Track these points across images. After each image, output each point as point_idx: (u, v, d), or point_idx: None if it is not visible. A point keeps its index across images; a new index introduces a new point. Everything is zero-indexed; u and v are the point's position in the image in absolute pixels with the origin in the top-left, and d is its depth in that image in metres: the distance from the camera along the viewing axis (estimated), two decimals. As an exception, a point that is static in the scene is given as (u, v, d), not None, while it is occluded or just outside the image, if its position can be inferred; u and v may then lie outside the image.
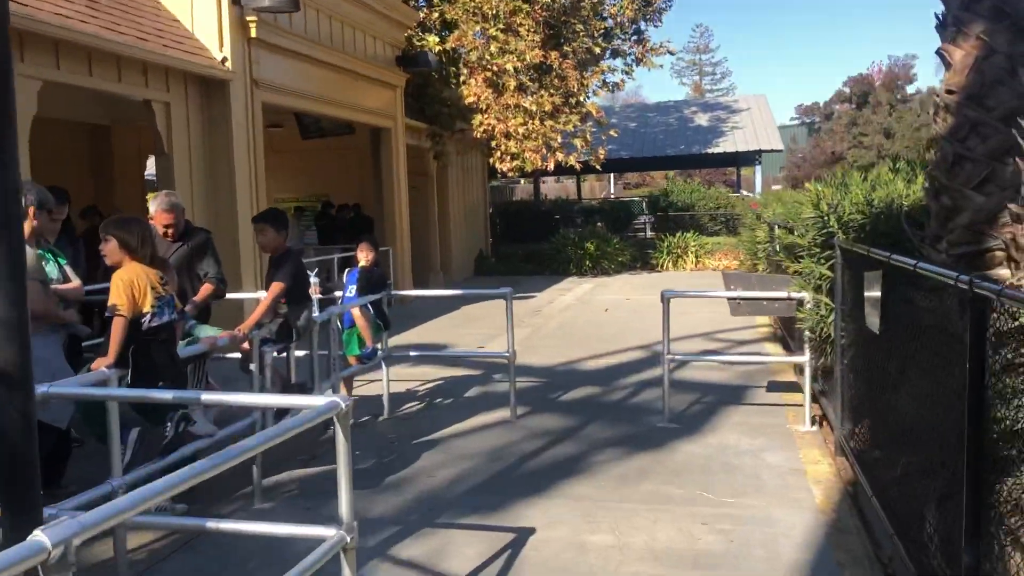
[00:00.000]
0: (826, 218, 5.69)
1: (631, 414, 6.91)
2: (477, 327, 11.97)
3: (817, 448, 5.79)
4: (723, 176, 50.67)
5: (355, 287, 6.86)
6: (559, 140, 16.56)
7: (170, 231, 5.47)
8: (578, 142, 16.79)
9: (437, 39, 16.50)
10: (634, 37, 20.81)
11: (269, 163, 20.11)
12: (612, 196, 43.40)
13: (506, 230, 24.49)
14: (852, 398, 5.46)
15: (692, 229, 22.33)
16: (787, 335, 10.08)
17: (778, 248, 10.91)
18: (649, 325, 11.79)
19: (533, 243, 22.23)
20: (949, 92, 5.01)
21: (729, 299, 6.50)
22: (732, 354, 9.42)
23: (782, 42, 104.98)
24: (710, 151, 26.02)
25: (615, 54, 20.40)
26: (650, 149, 27.06)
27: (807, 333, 6.15)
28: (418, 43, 16.30)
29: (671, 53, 20.97)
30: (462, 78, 16.44)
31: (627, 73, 20.46)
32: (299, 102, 12.42)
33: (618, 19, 19.88)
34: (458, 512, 4.82)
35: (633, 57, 20.64)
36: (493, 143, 16.27)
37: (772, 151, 26.54)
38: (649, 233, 26.95)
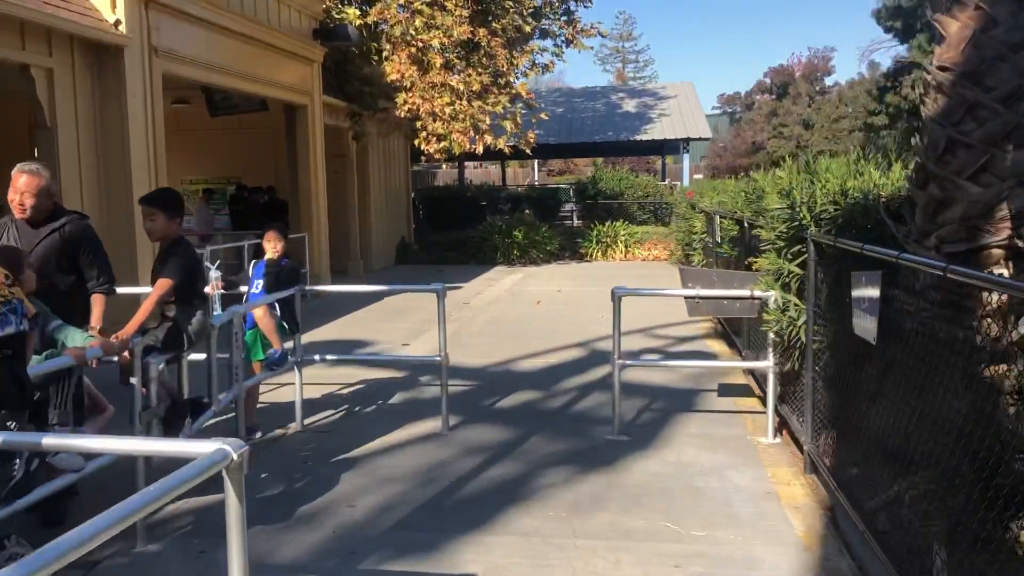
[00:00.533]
0: (797, 210, 5.10)
1: (577, 424, 6.24)
2: (402, 321, 11.16)
3: (786, 465, 5.22)
4: (646, 164, 50.68)
5: (261, 282, 6.00)
6: (488, 122, 15.79)
7: (27, 208, 4.52)
8: (507, 124, 16.05)
9: (358, 11, 15.50)
10: (564, 17, 20.16)
11: (176, 142, 18.77)
12: (536, 183, 42.90)
13: (430, 217, 23.61)
14: (828, 409, 4.90)
15: (621, 218, 21.88)
16: (729, 331, 9.59)
17: (720, 239, 10.42)
18: (585, 319, 11.18)
19: (458, 230, 21.44)
20: (942, 69, 4.45)
21: (687, 298, 5.87)
22: (682, 355, 8.82)
23: (705, 31, 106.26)
24: (638, 138, 25.63)
25: (544, 34, 19.71)
26: (577, 135, 26.52)
27: (771, 336, 5.57)
28: (337, 16, 15.28)
29: (602, 35, 20.36)
30: (385, 54, 15.49)
31: (557, 55, 19.80)
32: (206, 74, 11.33)
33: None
34: (385, 555, 4.05)
35: (563, 38, 19.99)
36: (418, 124, 15.40)
37: (700, 139, 26.33)
38: (576, 221, 26.47)
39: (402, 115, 15.45)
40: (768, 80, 62.60)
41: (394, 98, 15.49)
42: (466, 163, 37.34)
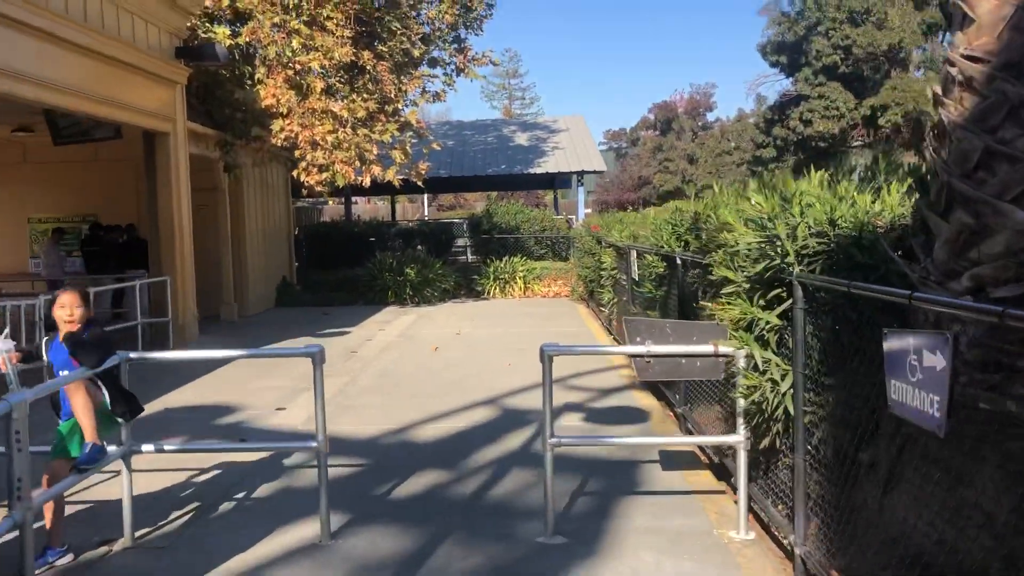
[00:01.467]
0: (780, 246, 4.00)
1: (498, 520, 4.93)
2: (278, 377, 9.59)
3: (772, 573, 4.06)
4: (536, 199, 50.18)
5: (64, 365, 4.44)
6: (375, 152, 14.44)
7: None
8: (396, 154, 14.72)
9: (228, 31, 13.93)
10: (454, 45, 19.11)
11: (22, 175, 16.62)
12: (427, 218, 41.63)
13: (314, 255, 21.94)
14: (831, 501, 3.78)
15: (518, 253, 20.82)
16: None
17: (638, 277, 9.39)
18: (491, 367, 9.91)
19: (346, 268, 19.89)
20: (972, 59, 3.45)
21: (633, 356, 4.67)
22: (610, 414, 7.57)
23: (589, 68, 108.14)
24: (532, 171, 24.77)
25: (433, 63, 18.58)
26: (469, 168, 25.44)
27: (741, 403, 4.44)
28: (205, 35, 13.68)
29: (494, 63, 19.45)
30: (258, 76, 13.96)
31: (448, 84, 18.69)
32: (45, 94, 9.57)
33: (436, 24, 18.07)
34: None
35: (454, 67, 18.91)
36: (297, 153, 13.90)
37: (595, 172, 25.70)
38: (471, 257, 25.29)
39: (279, 143, 13.92)
40: (652, 116, 63.64)
41: (269, 125, 13.96)
42: (353, 198, 35.75)
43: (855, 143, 31.18)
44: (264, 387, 9.13)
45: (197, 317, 12.99)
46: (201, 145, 14.16)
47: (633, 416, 7.32)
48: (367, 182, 14.56)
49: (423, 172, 15.43)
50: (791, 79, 31.04)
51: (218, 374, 10.02)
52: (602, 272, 12.63)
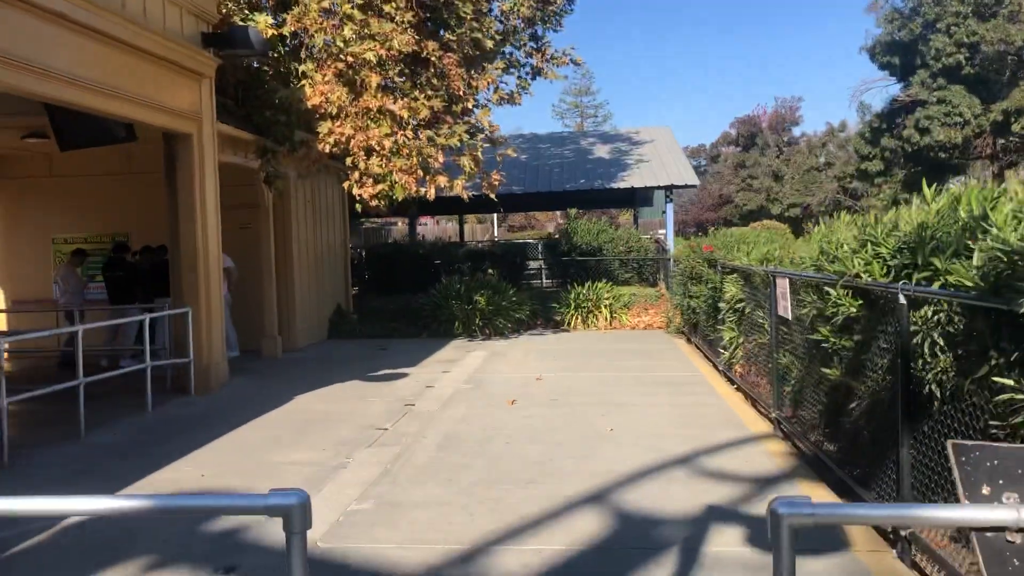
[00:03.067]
0: None
1: None
2: (311, 443, 7.28)
3: None
4: (609, 219, 47.54)
5: None
6: (440, 160, 12.18)
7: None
8: (466, 162, 12.42)
9: (271, 19, 11.91)
10: (531, 44, 16.85)
11: (43, 190, 14.86)
12: (497, 239, 39.41)
13: (374, 279, 19.85)
14: None
15: (601, 277, 18.33)
16: (822, 455, 5.95)
17: (790, 315, 6.81)
18: (587, 434, 7.42)
19: (408, 294, 17.70)
20: None
21: (981, 533, 2.12)
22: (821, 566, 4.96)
23: (665, 82, 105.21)
24: (615, 186, 22.29)
25: (508, 63, 16.34)
26: (544, 184, 23.11)
27: None
28: (243, 23, 11.67)
29: (576, 63, 17.08)
30: (303, 70, 11.86)
31: (523, 88, 16.40)
32: (44, 84, 7.60)
33: (511, 20, 15.83)
34: None
35: (530, 67, 16.65)
36: (348, 161, 11.73)
37: (686, 187, 23.10)
38: (546, 281, 22.87)
39: (327, 149, 11.76)
40: (734, 131, 60.48)
41: (317, 129, 11.83)
42: (420, 219, 33.74)
43: (981, 154, 27.74)
44: (290, 461, 6.82)
45: (225, 356, 10.84)
46: (239, 153, 12.12)
47: (820, 541, 4.73)
48: (431, 195, 12.30)
49: (496, 183, 13.08)
50: (903, 84, 27.89)
51: (238, 435, 7.78)
52: (720, 304, 10.06)
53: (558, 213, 56.99)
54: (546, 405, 8.89)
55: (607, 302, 16.69)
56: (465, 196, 12.86)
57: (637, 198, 27.76)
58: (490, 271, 17.82)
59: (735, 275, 9.56)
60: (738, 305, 9.33)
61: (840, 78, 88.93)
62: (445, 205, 26.14)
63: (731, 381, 9.80)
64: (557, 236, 21.10)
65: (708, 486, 5.84)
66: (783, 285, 7.19)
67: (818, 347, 6.08)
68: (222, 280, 13.27)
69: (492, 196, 13.07)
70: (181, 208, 10.23)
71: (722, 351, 10.03)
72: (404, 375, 11.14)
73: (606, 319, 16.52)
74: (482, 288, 16.23)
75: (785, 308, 7.13)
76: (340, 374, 11.28)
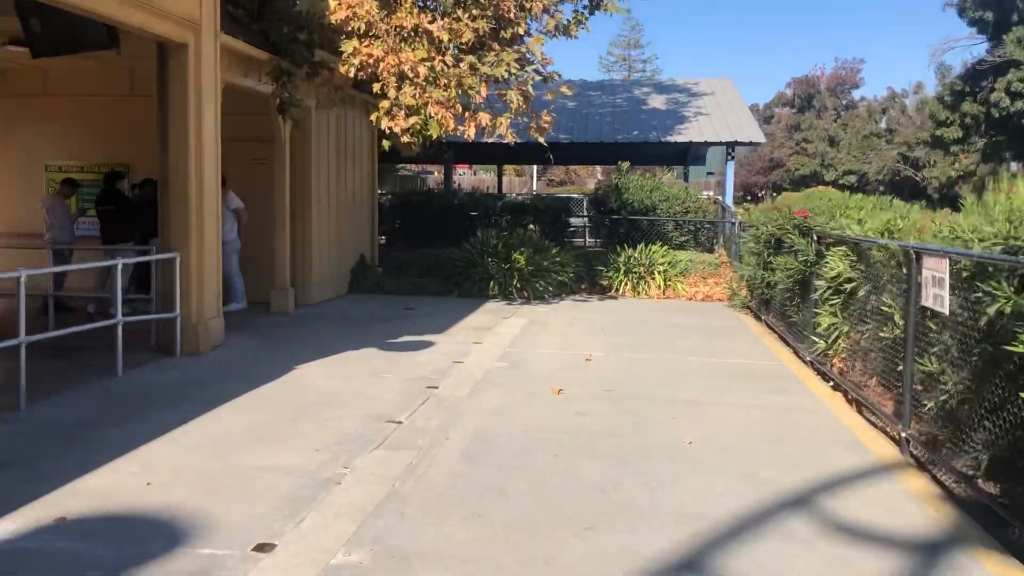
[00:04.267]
0: None
1: None
2: (301, 435, 5.62)
3: None
4: (651, 177, 45.10)
5: None
6: (483, 93, 10.34)
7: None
8: (513, 97, 10.54)
9: (292, -84, 10.07)
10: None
11: (36, 111, 13.14)
12: (532, 193, 37.43)
13: (404, 229, 18.15)
14: None
15: (653, 239, 16.49)
16: (996, 508, 4.21)
17: (947, 310, 4.99)
18: (660, 446, 5.66)
19: (441, 247, 16.02)
20: None
21: None
22: None
23: (716, 40, 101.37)
24: (671, 139, 20.26)
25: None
26: (593, 134, 21.13)
27: None
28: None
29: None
30: (327, -22, 10.02)
31: (580, 21, 14.38)
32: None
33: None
34: None
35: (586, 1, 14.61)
36: (376, 87, 9.94)
37: (751, 144, 21.02)
38: (589, 241, 21.05)
39: (350, 73, 9.97)
40: (790, 92, 57.52)
41: (340, 49, 10.04)
42: (456, 167, 31.91)
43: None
44: (270, 466, 5.18)
45: (220, 311, 9.22)
46: (251, 75, 10.38)
47: None
48: (471, 134, 10.48)
49: (546, 126, 11.20)
50: (992, 43, 25.27)
51: (215, 419, 6.16)
52: (816, 282, 8.20)
53: (598, 169, 54.70)
54: (601, 398, 7.16)
55: (661, 268, 14.85)
56: (510, 138, 11.00)
57: (690, 155, 25.70)
58: (531, 226, 16.02)
59: (841, 248, 7.69)
60: (845, 286, 7.48)
61: (907, 39, 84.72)
62: (483, 152, 24.28)
63: (825, 377, 8.00)
64: (603, 191, 19.19)
65: (845, 553, 4.09)
66: (937, 267, 5.34)
67: (1009, 359, 4.27)
68: (230, 222, 11.67)
69: (541, 140, 11.19)
70: (172, 132, 8.54)
71: (815, 339, 8.20)
72: (429, 344, 9.47)
73: (659, 287, 14.69)
74: (522, 245, 14.48)
75: (938, 298, 5.29)
76: (355, 338, 9.65)
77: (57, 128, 12.72)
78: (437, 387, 7.36)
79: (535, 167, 46.59)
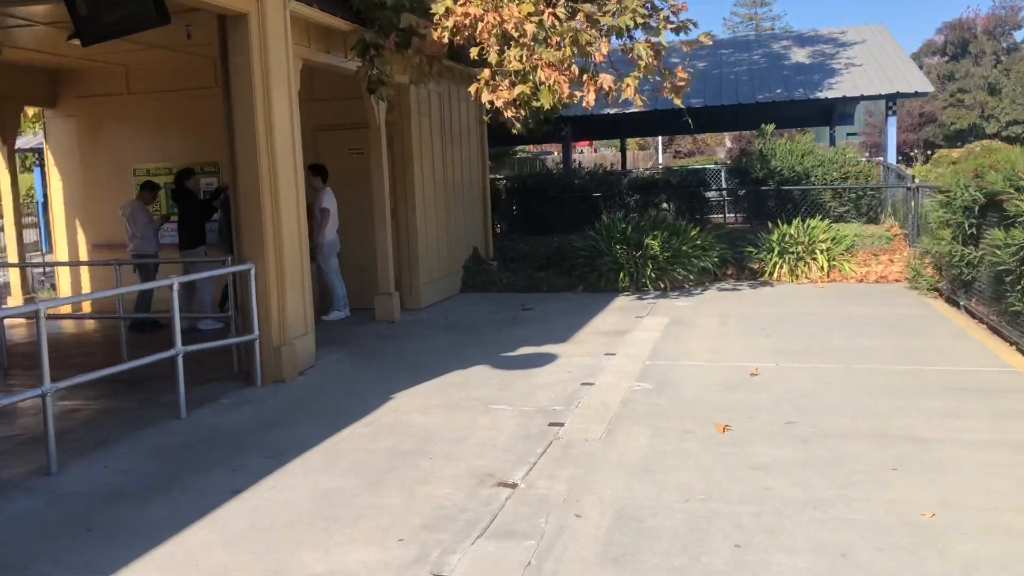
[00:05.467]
0: None
1: None
2: (387, 512, 4.10)
3: None
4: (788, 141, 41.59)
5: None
6: (604, 52, 8.58)
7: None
8: (641, 51, 8.70)
9: None
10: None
11: (120, 111, 11.96)
12: (662, 167, 35.05)
13: (521, 217, 16.59)
14: None
15: (806, 211, 14.29)
16: None
17: None
18: (896, 529, 3.65)
19: (562, 234, 14.42)
20: None
21: None
22: None
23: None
24: (822, 95, 17.80)
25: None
26: (729, 95, 18.89)
27: None
28: None
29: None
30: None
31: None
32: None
33: None
34: None
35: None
36: (474, 53, 8.36)
37: (916, 95, 18.27)
38: (728, 216, 18.89)
39: (444, 38, 8.43)
40: (940, 39, 52.32)
41: (431, 10, 8.50)
42: (574, 145, 30.10)
43: None
44: (328, 572, 3.69)
45: (311, 328, 7.88)
46: (333, 50, 9.02)
47: None
48: (590, 100, 8.72)
49: (683, 84, 9.29)
50: None
51: (275, 487, 4.75)
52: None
53: (727, 138, 51.44)
54: (783, 437, 5.33)
55: (824, 245, 12.66)
56: (638, 102, 9.16)
57: (835, 114, 22.92)
58: (664, 205, 14.13)
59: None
60: None
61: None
62: (604, 127, 22.39)
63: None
64: (745, 160, 16.99)
65: None
66: None
67: None
68: (331, 222, 10.43)
69: (676, 101, 9.29)
70: (236, 122, 7.24)
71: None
72: (551, 358, 7.84)
73: (821, 268, 12.52)
74: (654, 228, 12.62)
75: None
76: (464, 353, 8.16)
77: (142, 128, 11.82)
78: (562, 424, 5.73)
79: (660, 139, 44.04)
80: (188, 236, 10.01)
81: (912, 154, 45.15)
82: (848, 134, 48.52)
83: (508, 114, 8.42)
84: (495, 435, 5.50)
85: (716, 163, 26.33)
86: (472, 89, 8.56)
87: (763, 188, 15.19)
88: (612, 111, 18.51)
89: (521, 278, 12.87)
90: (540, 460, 5.02)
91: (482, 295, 12.34)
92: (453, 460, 5.05)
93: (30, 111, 13.36)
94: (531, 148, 40.49)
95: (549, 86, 8.16)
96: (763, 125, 16.74)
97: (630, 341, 8.52)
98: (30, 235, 14.56)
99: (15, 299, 11.67)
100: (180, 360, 6.22)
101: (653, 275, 12.03)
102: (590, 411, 6.01)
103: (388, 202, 10.42)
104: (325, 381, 7.29)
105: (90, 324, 10.94)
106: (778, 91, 18.30)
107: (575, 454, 5.10)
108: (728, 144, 49.75)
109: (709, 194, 18.51)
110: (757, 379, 6.81)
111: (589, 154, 46.11)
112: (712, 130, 32.12)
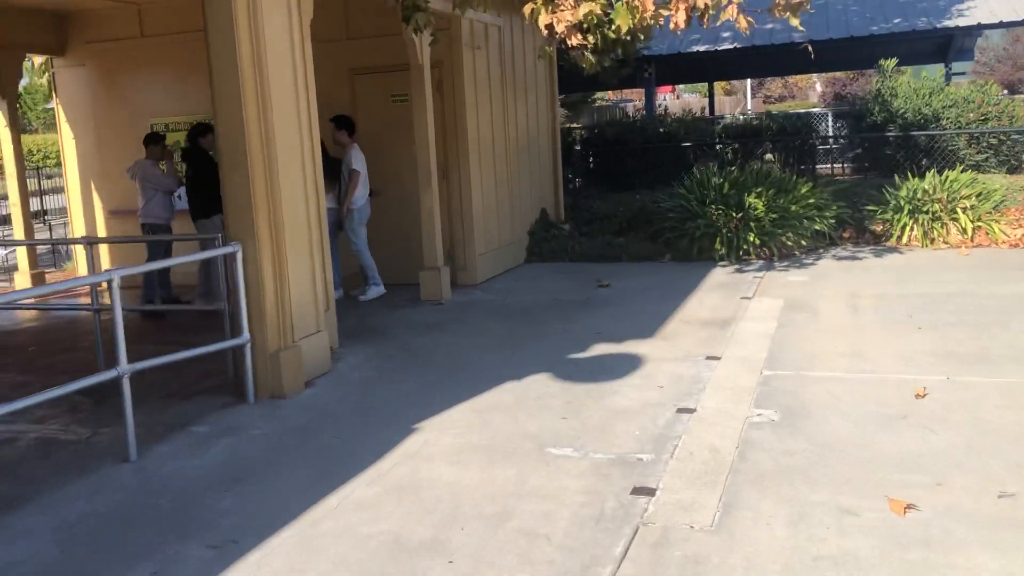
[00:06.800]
0: None
1: None
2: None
3: None
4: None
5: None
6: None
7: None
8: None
9: None
10: None
11: (134, 57, 9.41)
12: (750, 113, 32.15)
13: (599, 171, 14.60)
14: None
15: (934, 161, 11.93)
16: None
17: None
18: None
19: (645, 191, 12.45)
20: None
21: None
22: None
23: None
24: (951, 23, 15.14)
25: None
26: (837, 28, 16.33)
27: None
28: None
29: None
30: None
31: None
32: None
33: None
34: None
35: None
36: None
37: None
38: (835, 167, 16.45)
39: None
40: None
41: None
42: (660, 88, 27.65)
43: None
44: None
45: (320, 323, 6.17)
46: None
47: None
48: (680, 21, 6.65)
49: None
50: None
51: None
52: None
53: (816, 81, 47.59)
54: (1006, 530, 3.37)
55: (967, 203, 10.34)
56: (743, 23, 7.04)
57: (952, 48, 19.96)
58: (768, 156, 11.93)
59: None
60: None
61: None
62: (690, 67, 19.97)
63: None
64: (859, 102, 14.55)
65: None
66: None
67: None
68: (363, 185, 8.73)
69: (794, 21, 7.16)
70: (213, 47, 5.50)
71: None
72: (632, 362, 5.98)
73: (963, 231, 10.23)
74: (756, 183, 10.53)
75: None
76: (520, 350, 6.39)
77: (160, 77, 10.28)
78: (653, 491, 3.88)
79: (748, 83, 40.82)
80: (201, 204, 8.37)
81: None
82: (952, 74, 43.84)
83: (573, 41, 6.47)
84: (552, 512, 3.70)
85: (814, 107, 23.61)
86: (526, 10, 6.63)
87: (886, 134, 12.78)
88: (701, 48, 16.25)
89: (597, 244, 10.96)
90: (620, 569, 3.20)
91: (551, 266, 10.49)
92: (483, 568, 3.27)
93: (36, 60, 11.95)
94: (610, 95, 37.95)
95: (627, 2, 6.15)
96: (882, 62, 14.20)
97: (738, 336, 6.57)
98: (58, 200, 13.27)
99: (23, 276, 10.38)
100: (126, 383, 4.59)
101: (757, 241, 9.97)
102: (693, 465, 4.14)
103: (434, 157, 8.61)
104: (336, 398, 5.60)
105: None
106: (896, 21, 15.67)
107: (675, 559, 3.26)
108: (819, 88, 46.06)
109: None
110: (926, 403, 4.82)
111: (670, 100, 43.25)
112: (816, 69, 28.99)
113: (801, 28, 7.64)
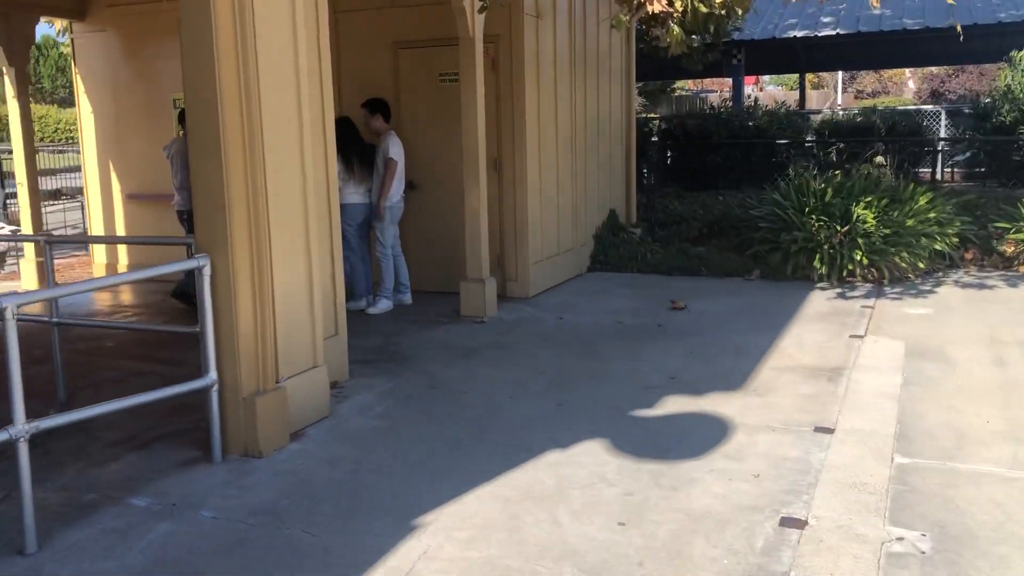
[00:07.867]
0: None
1: None
2: None
3: None
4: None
5: None
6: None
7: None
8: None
9: None
10: None
11: (154, 22, 8.34)
12: (841, 109, 29.80)
13: (677, 167, 13.07)
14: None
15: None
16: None
17: None
18: None
19: (731, 191, 10.94)
20: None
21: None
22: None
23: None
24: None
25: None
26: (962, 14, 14.41)
27: None
28: None
29: None
30: None
31: None
32: None
33: None
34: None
35: None
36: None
37: None
38: (943, 174, 14.51)
39: None
40: None
41: None
42: (748, 85, 25.81)
43: None
44: None
45: (319, 357, 4.89)
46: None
47: None
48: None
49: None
50: None
51: None
52: None
53: (909, 78, 44.58)
54: None
55: None
56: (875, 1, 5.50)
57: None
58: (878, 159, 10.25)
59: None
60: None
61: None
62: (783, 55, 18.18)
63: None
64: (980, 101, 12.71)
65: None
66: None
67: None
68: (399, 179, 7.46)
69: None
70: (185, 28, 4.23)
71: None
72: (714, 430, 4.54)
73: (1121, 258, 8.45)
74: (864, 191, 8.92)
75: None
76: (569, 398, 5.03)
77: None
78: None
79: (840, 76, 38.30)
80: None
81: None
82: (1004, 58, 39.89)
83: (657, 7, 5.00)
84: None
85: (914, 105, 21.50)
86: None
87: (1021, 137, 10.95)
88: (799, 34, 14.56)
89: (672, 253, 9.49)
90: None
91: (617, 278, 9.07)
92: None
93: (57, 24, 10.98)
94: (691, 85, 35.97)
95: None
96: (1014, 53, 12.29)
97: (853, 395, 5.07)
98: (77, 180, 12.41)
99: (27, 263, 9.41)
100: (23, 449, 3.37)
101: (864, 260, 8.37)
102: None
103: (483, 147, 7.27)
104: (326, 459, 4.31)
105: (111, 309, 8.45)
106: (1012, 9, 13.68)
107: None
108: (912, 85, 43.13)
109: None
110: None
111: (754, 93, 40.97)
112: (929, 63, 26.52)
113: (951, 1, 6.03)
